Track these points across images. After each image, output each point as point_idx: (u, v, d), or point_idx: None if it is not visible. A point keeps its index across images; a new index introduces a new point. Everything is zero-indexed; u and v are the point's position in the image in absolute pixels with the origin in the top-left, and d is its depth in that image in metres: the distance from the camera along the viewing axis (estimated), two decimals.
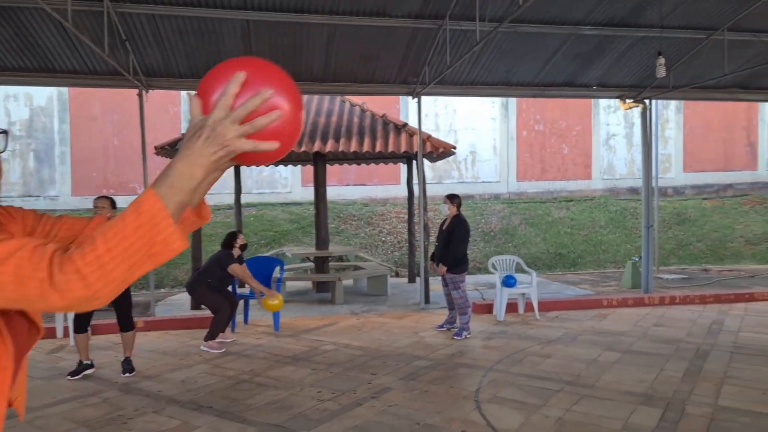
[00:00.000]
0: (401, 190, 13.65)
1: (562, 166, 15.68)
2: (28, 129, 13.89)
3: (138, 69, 7.19)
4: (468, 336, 6.41)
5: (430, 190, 15.17)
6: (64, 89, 13.60)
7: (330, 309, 8.22)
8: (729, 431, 3.74)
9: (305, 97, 9.56)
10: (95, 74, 7.39)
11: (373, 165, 11.83)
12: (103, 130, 14.08)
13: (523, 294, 7.68)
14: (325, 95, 9.59)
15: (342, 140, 8.63)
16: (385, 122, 9.19)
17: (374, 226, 13.73)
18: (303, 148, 8.37)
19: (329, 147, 8.48)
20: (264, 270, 7.32)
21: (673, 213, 14.93)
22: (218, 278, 6.31)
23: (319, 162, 9.49)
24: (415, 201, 9.75)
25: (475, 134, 15.32)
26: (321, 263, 9.45)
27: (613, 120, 15.73)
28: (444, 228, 6.60)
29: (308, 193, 14.09)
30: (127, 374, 5.12)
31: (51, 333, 6.54)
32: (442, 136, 14.63)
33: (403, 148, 8.57)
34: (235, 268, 6.24)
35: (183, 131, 12.81)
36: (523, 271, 7.69)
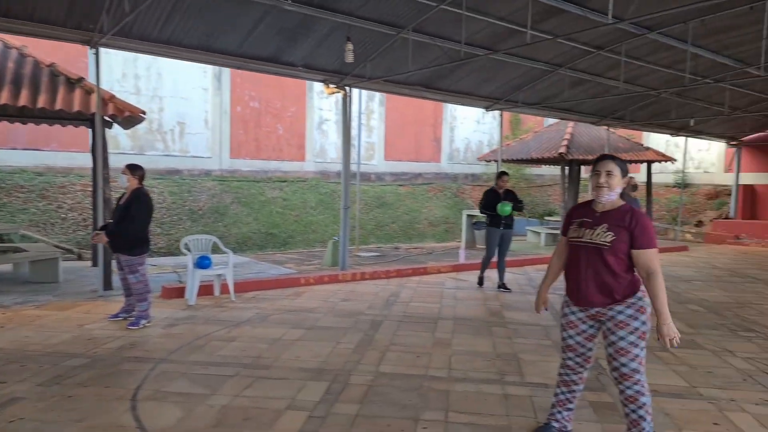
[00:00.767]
0: (85, 159, 11.80)
1: (277, 146, 15.74)
2: None
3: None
4: (147, 324, 5.70)
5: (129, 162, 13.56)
6: None
7: None
8: (383, 395, 3.98)
9: None
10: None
11: (49, 126, 9.81)
12: None
13: (220, 275, 7.27)
14: None
15: None
16: (53, 73, 7.61)
17: (51, 200, 11.57)
18: None
19: (6, 99, 6.62)
20: None
21: (375, 197, 16.42)
22: None
23: None
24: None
25: (185, 104, 14.21)
26: None
27: (325, 105, 16.43)
28: (121, 202, 5.72)
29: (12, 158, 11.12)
30: None
31: None
32: (143, 101, 13.15)
33: (76, 107, 7.20)
34: None
35: None
36: (222, 252, 7.28)
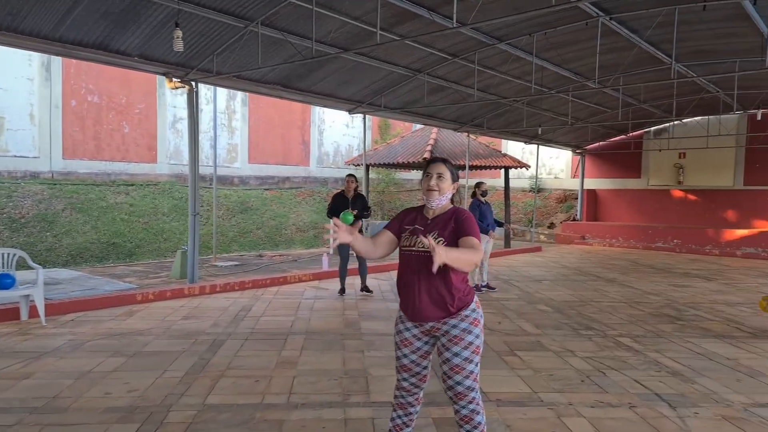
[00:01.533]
0: None
1: (122, 146, 14.19)
2: None
3: None
4: None
5: None
6: None
7: None
8: None
9: None
10: None
11: None
12: None
13: (27, 296, 6.13)
14: None
15: None
16: None
17: None
18: None
19: None
20: None
21: (238, 202, 15.49)
22: None
23: None
24: None
25: (5, 96, 12.25)
26: None
27: (180, 102, 15.15)
28: None
29: None
30: None
31: None
32: None
33: None
34: None
35: None
36: (30, 268, 6.16)
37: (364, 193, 10.94)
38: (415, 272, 2.73)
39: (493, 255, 13.40)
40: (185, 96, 15.29)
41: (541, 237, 18.08)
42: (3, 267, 6.03)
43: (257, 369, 4.68)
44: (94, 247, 11.62)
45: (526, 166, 15.96)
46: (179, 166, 15.29)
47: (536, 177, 18.74)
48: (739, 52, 9.73)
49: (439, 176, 2.75)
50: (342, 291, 8.05)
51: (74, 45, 7.26)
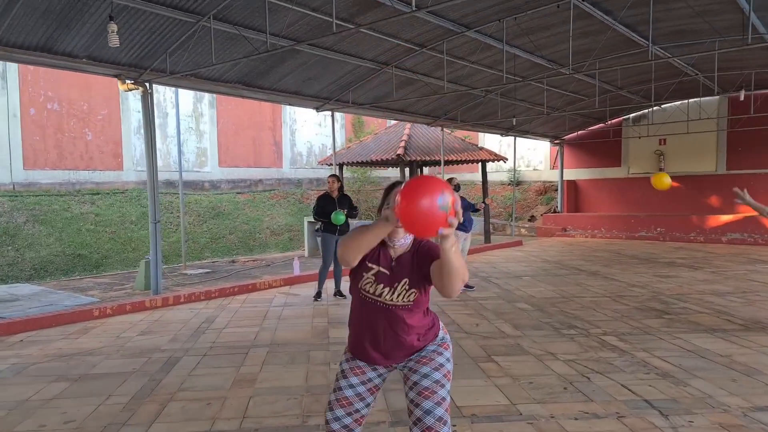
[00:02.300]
0: None
1: (86, 154, 13.64)
2: None
3: None
4: None
5: None
6: None
7: None
8: None
9: None
10: None
11: None
12: None
13: None
14: None
15: None
16: None
17: None
18: None
19: None
20: None
21: (209, 207, 15.02)
22: None
23: None
24: None
25: None
26: None
27: None
28: None
29: None
30: None
31: None
32: None
33: None
34: None
35: None
36: None
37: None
38: (379, 323, 2.33)
39: (471, 251, 13.12)
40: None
41: (522, 231, 17.86)
42: None
43: (211, 389, 4.29)
44: (58, 259, 11.10)
45: (504, 159, 15.71)
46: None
47: (514, 170, 18.51)
48: (719, 30, 9.48)
49: None
50: (318, 295, 7.68)
51: (15, 48, 6.81)
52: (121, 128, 14.34)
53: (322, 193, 7.86)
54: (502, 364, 4.83)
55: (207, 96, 15.70)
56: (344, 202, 7.55)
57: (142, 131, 14.78)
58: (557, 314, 6.72)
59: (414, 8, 6.04)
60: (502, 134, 16.58)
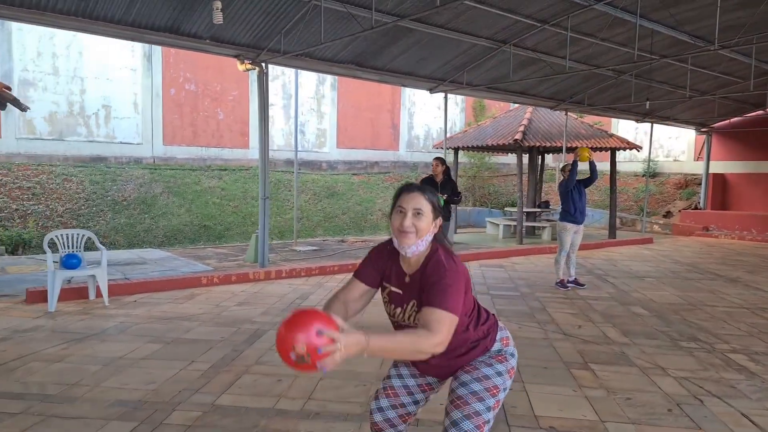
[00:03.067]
0: None
1: (216, 132, 14.66)
2: None
3: None
4: None
5: (48, 148, 12.46)
6: None
7: None
8: None
9: None
10: None
11: None
12: None
13: (94, 276, 6.27)
14: None
15: None
16: None
17: None
18: None
19: None
20: None
21: (325, 186, 15.45)
22: None
23: None
24: None
25: (111, 86, 13.07)
26: None
27: (272, 88, 15.33)
28: None
29: None
30: None
31: None
32: (62, 82, 12.05)
33: None
34: None
35: None
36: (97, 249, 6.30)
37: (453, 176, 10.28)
38: None
39: (593, 246, 12.13)
40: (276, 82, 15.53)
41: (655, 227, 16.18)
42: (73, 248, 6.21)
43: (286, 366, 4.28)
44: (187, 229, 12.07)
45: (637, 148, 14.23)
46: (271, 151, 15.53)
47: (649, 159, 16.76)
48: None
49: (417, 213, 1.96)
50: None
51: (146, 29, 7.33)
52: (249, 108, 15.20)
53: (426, 176, 7.64)
54: (598, 373, 4.29)
55: (329, 78, 16.09)
56: (447, 186, 7.28)
57: (269, 112, 15.57)
58: (678, 323, 5.88)
59: None
60: (637, 120, 15.05)
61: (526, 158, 13.81)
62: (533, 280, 8.25)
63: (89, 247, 6.61)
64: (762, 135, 15.74)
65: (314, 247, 11.25)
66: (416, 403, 2.18)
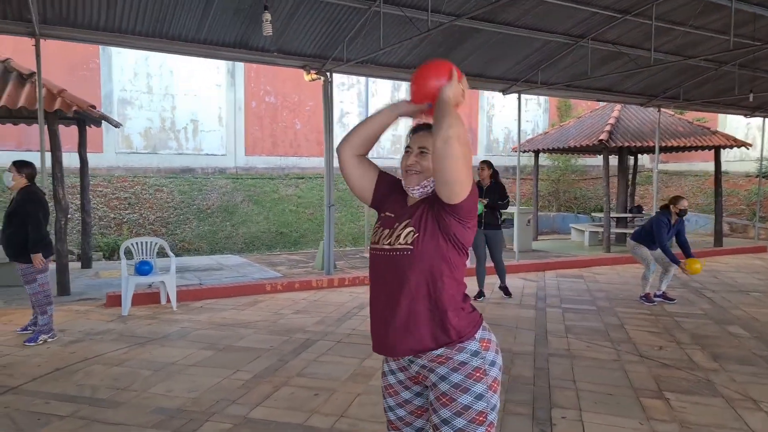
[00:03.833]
0: (97, 159, 11.66)
1: (294, 142, 15.05)
2: None
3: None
4: (48, 340, 5.07)
5: (144, 161, 13.39)
6: None
7: None
8: None
9: None
10: None
11: (28, 126, 9.47)
12: None
13: (164, 282, 6.56)
14: None
15: None
16: (6, 69, 7.21)
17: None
18: None
19: None
20: None
21: None
22: None
23: None
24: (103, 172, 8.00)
25: (198, 101, 13.83)
26: None
27: (346, 98, 15.55)
28: (11, 205, 5.08)
29: None
30: None
31: None
32: (156, 100, 12.92)
33: (21, 103, 6.73)
34: None
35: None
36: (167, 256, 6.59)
37: (513, 182, 9.78)
38: (381, 280, 1.85)
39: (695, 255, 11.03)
40: (351, 91, 15.71)
41: None
42: (146, 255, 6.54)
43: (327, 379, 4.19)
44: (264, 236, 12.46)
45: (746, 145, 12.85)
46: None
47: (761, 159, 15.03)
48: None
49: (422, 151, 1.86)
50: (480, 295, 7.13)
51: (217, 46, 7.63)
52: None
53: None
54: (674, 403, 3.79)
55: (404, 85, 16.00)
56: (493, 191, 6.88)
57: (344, 120, 15.77)
58: None
59: None
60: (746, 115, 13.56)
61: (615, 160, 12.90)
62: (615, 293, 7.61)
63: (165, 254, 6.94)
64: None
65: None
66: (419, 395, 1.93)
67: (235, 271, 8.99)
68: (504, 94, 10.34)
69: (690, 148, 12.79)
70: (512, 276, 8.77)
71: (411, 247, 1.77)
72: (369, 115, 1.89)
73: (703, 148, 12.77)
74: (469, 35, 8.23)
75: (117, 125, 8.92)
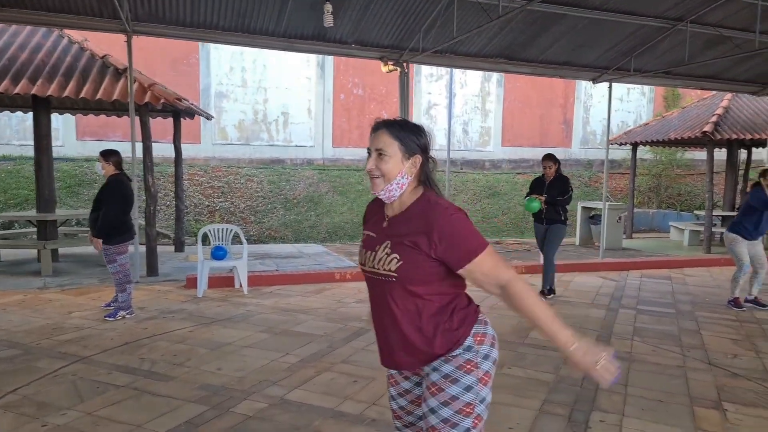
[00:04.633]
0: (196, 150, 12.51)
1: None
2: None
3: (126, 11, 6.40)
4: (126, 316, 5.54)
5: (237, 152, 14.16)
6: None
7: (24, 282, 7.04)
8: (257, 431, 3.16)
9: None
10: (76, 14, 6.63)
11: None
12: None
13: (236, 267, 6.92)
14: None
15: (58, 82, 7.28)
16: (105, 65, 7.90)
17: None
18: (16, 90, 6.97)
19: (53, 90, 7.12)
20: None
21: (485, 186, 15.00)
22: None
23: (40, 108, 8.10)
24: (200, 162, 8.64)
25: (288, 94, 14.37)
26: (44, 228, 8.15)
27: (434, 89, 15.41)
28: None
29: (85, 148, 12.55)
30: None
31: None
32: (249, 93, 13.59)
33: (115, 96, 7.36)
34: None
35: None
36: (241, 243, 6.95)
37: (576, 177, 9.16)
38: (376, 302, 1.88)
39: None
40: (440, 83, 15.54)
41: None
42: (221, 241, 6.93)
43: (367, 368, 4.21)
44: (347, 226, 12.74)
45: None
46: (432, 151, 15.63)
47: None
48: None
49: (380, 154, 1.78)
50: (550, 292, 6.79)
51: (295, 39, 7.86)
52: (412, 110, 15.45)
53: (538, 176, 6.87)
54: (730, 415, 3.42)
55: (495, 75, 15.59)
56: (555, 186, 6.46)
57: (431, 112, 15.68)
58: None
59: None
60: None
61: (723, 153, 11.73)
62: (702, 297, 6.94)
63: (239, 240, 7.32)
64: None
65: None
66: (418, 385, 1.94)
67: (312, 259, 9.27)
68: (594, 83, 9.74)
69: None
70: (591, 275, 8.30)
71: (395, 274, 1.75)
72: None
73: None
74: (553, 21, 7.83)
75: (208, 117, 9.49)
